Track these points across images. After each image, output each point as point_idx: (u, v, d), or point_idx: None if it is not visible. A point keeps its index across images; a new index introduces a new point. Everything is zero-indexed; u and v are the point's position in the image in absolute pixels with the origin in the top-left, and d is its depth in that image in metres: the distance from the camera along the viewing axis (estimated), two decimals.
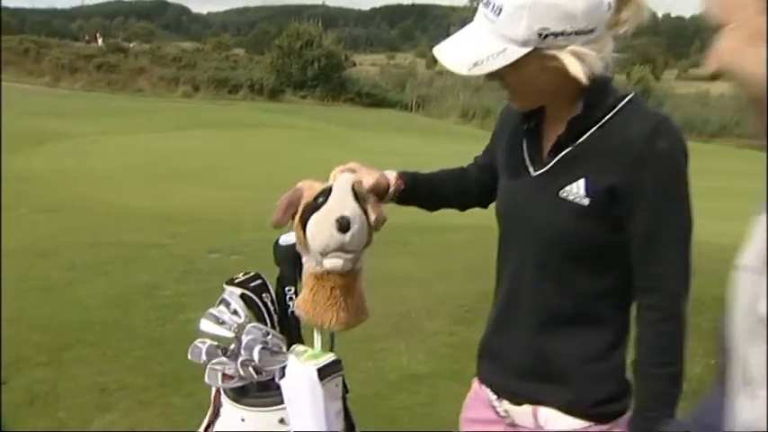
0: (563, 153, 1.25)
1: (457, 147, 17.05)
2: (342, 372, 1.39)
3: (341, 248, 1.24)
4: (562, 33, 1.12)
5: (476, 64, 1.14)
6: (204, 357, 1.30)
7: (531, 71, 1.17)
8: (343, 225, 1.22)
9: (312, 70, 32.90)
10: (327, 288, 1.28)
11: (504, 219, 1.36)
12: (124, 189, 9.18)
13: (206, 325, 1.38)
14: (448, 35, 1.19)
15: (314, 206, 1.26)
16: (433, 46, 1.20)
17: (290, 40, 33.19)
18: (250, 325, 1.36)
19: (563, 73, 1.16)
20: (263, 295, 1.44)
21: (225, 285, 1.45)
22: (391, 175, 1.45)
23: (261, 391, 1.33)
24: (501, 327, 1.34)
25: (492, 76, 1.18)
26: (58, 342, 4.03)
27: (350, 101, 33.07)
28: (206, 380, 1.28)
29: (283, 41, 33.47)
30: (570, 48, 1.14)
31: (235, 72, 33.16)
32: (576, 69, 1.14)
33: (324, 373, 1.33)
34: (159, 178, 10.19)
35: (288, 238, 1.41)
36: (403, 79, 37.59)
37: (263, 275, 1.46)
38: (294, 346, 1.43)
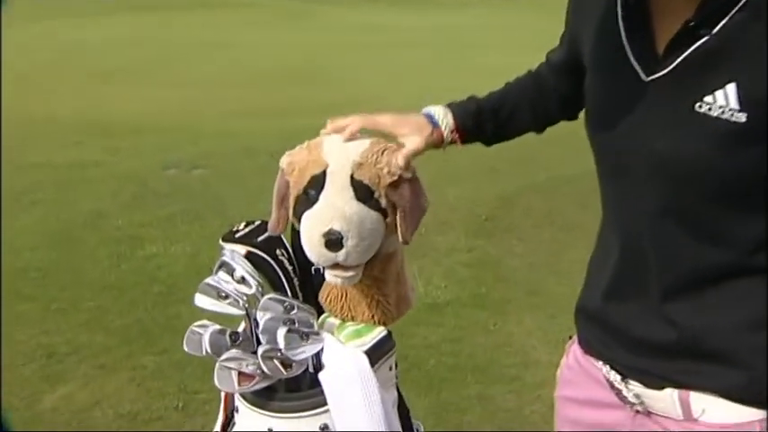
0: (695, 46, 1.02)
1: (461, 17, 16.68)
2: (395, 348, 1.22)
3: (336, 266, 1.13)
4: None
5: None
6: (208, 349, 1.10)
7: None
8: (332, 242, 1.09)
9: None
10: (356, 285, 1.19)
11: (608, 147, 1.15)
12: (45, 93, 8.76)
13: (203, 301, 1.18)
14: None
15: (305, 200, 1.14)
16: None
17: None
18: (266, 297, 1.17)
19: None
20: (278, 251, 1.26)
21: (222, 242, 1.25)
22: (445, 120, 1.25)
23: (291, 390, 1.14)
24: (618, 293, 1.15)
25: None
26: None
27: None
28: (216, 383, 1.08)
29: None
30: None
31: None
32: None
33: (375, 355, 1.17)
34: (86, 78, 9.73)
35: None
36: None
37: None
38: (325, 317, 1.25)
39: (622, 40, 1.10)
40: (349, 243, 1.09)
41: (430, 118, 1.25)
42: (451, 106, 1.29)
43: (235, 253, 1.22)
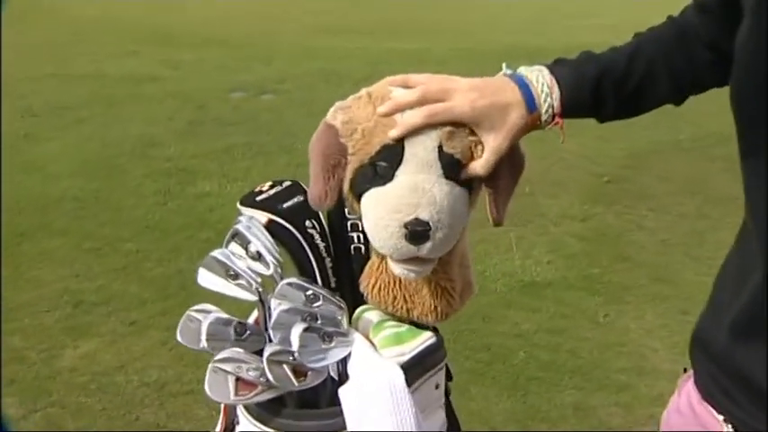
0: None
1: None
2: (445, 360, 1.14)
3: (414, 259, 1.03)
4: None
5: None
6: (205, 343, 1.04)
7: None
8: (417, 235, 0.99)
9: None
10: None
11: (759, 118, 0.99)
12: None
13: (207, 278, 1.12)
14: None
15: (372, 174, 1.02)
16: None
17: None
18: (285, 282, 1.09)
19: None
20: (308, 223, 1.18)
21: (240, 206, 1.19)
22: (548, 101, 1.08)
23: (306, 404, 1.08)
24: (754, 329, 1.01)
25: None
26: (10, 229, 3.95)
27: None
28: (207, 391, 1.02)
29: None
30: None
31: None
32: None
33: (415, 370, 1.09)
34: None
35: None
36: None
37: (305, 187, 1.17)
38: (361, 311, 1.18)
39: None
40: (437, 235, 1.00)
41: (525, 96, 1.08)
42: (559, 72, 1.10)
43: (253, 220, 1.15)
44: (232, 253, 1.13)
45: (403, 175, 1.00)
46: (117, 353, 3.05)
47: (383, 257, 1.09)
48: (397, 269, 1.06)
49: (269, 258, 1.12)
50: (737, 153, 1.05)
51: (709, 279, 1.20)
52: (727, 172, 4.55)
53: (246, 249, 1.13)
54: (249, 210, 1.18)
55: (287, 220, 1.17)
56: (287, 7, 8.28)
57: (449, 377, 1.19)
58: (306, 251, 1.17)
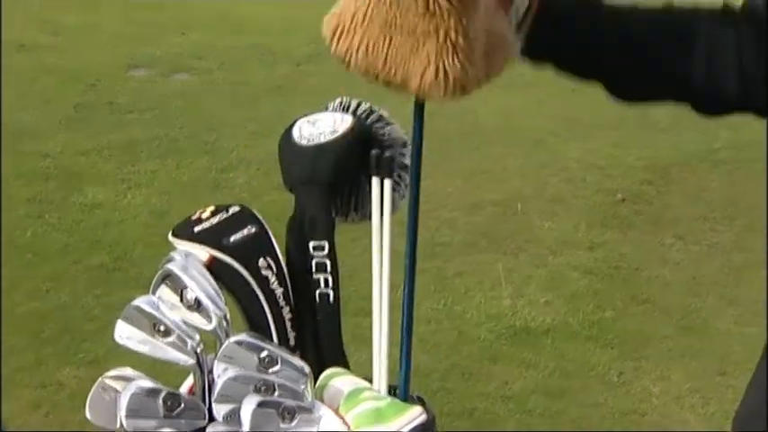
0: None
1: None
2: None
3: None
4: None
5: None
6: (123, 421, 1.08)
7: None
8: None
9: None
10: None
11: None
12: None
13: (128, 334, 1.16)
14: None
15: None
16: None
17: None
18: (232, 340, 1.13)
19: None
20: (261, 262, 1.22)
21: (172, 238, 1.25)
22: None
23: None
24: None
25: None
26: None
27: None
28: None
29: None
30: None
31: None
32: None
33: None
34: None
35: (320, 126, 1.33)
36: None
37: (258, 216, 1.24)
38: (328, 375, 1.23)
39: None
40: None
41: None
42: None
43: (191, 258, 1.18)
44: (161, 300, 1.16)
45: None
46: None
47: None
48: None
49: (211, 308, 1.15)
50: None
51: (752, 330, 1.26)
52: None
53: (181, 296, 1.16)
54: (185, 243, 1.21)
55: (234, 258, 1.20)
56: None
57: None
58: (258, 299, 1.21)
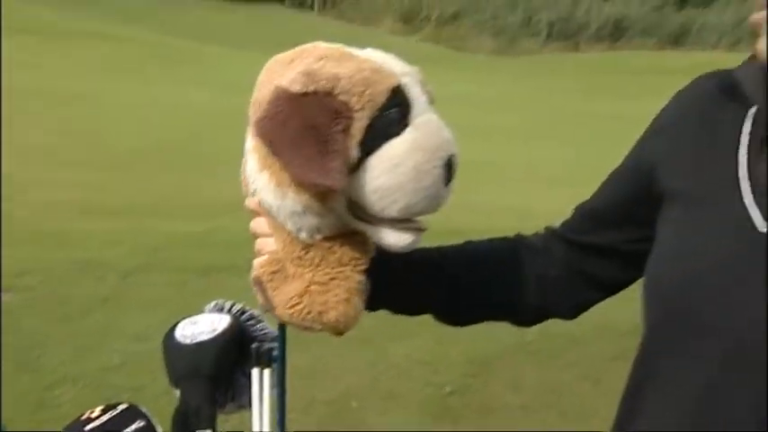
0: None
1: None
2: None
3: (431, 211, 1.23)
4: None
5: None
6: None
7: None
8: (453, 170, 1.21)
9: None
10: (332, 260, 1.26)
11: (674, 311, 1.28)
12: None
13: None
14: None
15: (385, 125, 1.19)
16: None
17: None
18: None
19: None
20: None
21: None
22: None
23: None
24: None
25: None
26: None
27: None
28: None
29: None
30: None
31: None
32: None
33: None
34: None
35: (200, 326, 1.38)
36: None
37: (145, 412, 1.27)
38: None
39: (739, 173, 1.25)
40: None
41: None
42: None
43: None
44: None
45: (420, 117, 1.20)
46: None
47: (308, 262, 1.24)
48: (392, 238, 1.22)
49: None
50: (643, 343, 1.32)
51: None
52: (584, 380, 4.85)
53: None
54: None
55: None
56: (26, 181, 8.20)
57: None
58: None
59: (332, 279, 1.24)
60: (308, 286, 1.24)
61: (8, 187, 7.52)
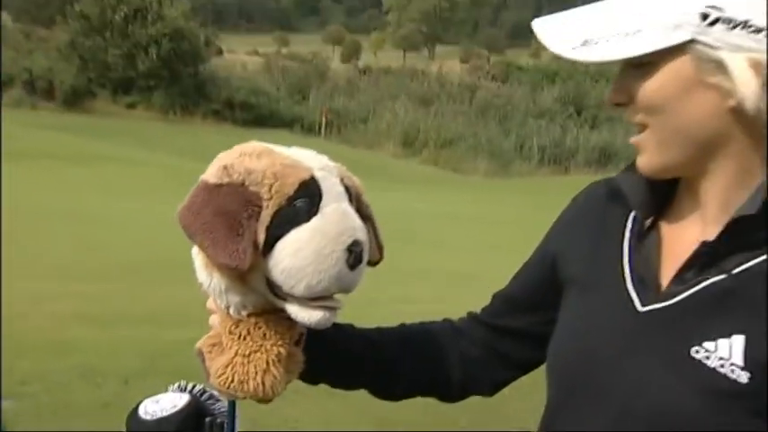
0: (707, 283, 1.28)
1: (399, 201, 17.45)
2: None
3: (338, 291, 1.32)
4: (745, 25, 1.19)
5: (585, 42, 1.25)
6: None
7: (678, 84, 1.25)
8: (358, 258, 1.29)
9: (147, 61, 33.01)
10: (256, 335, 1.36)
11: (571, 380, 1.41)
12: None
13: None
14: None
15: (292, 215, 1.29)
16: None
17: (102, 5, 33.17)
18: None
19: (734, 108, 1.23)
20: None
21: None
22: None
23: None
24: None
25: (619, 92, 1.30)
26: None
27: (214, 115, 33.40)
28: None
29: (89, 8, 33.49)
30: (752, 56, 1.20)
31: None
32: (757, 95, 1.19)
33: None
34: None
35: (161, 404, 1.48)
36: (304, 81, 38.26)
37: None
38: None
39: (623, 262, 1.40)
40: (364, 259, 1.31)
41: None
42: None
43: None
44: None
45: (329, 206, 1.29)
46: None
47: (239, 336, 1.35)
48: (304, 316, 1.31)
49: None
50: (547, 411, 1.49)
51: None
52: None
53: None
54: None
55: None
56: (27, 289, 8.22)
57: None
58: None
59: (254, 352, 1.33)
60: (233, 357, 1.34)
61: (9, 298, 7.55)
